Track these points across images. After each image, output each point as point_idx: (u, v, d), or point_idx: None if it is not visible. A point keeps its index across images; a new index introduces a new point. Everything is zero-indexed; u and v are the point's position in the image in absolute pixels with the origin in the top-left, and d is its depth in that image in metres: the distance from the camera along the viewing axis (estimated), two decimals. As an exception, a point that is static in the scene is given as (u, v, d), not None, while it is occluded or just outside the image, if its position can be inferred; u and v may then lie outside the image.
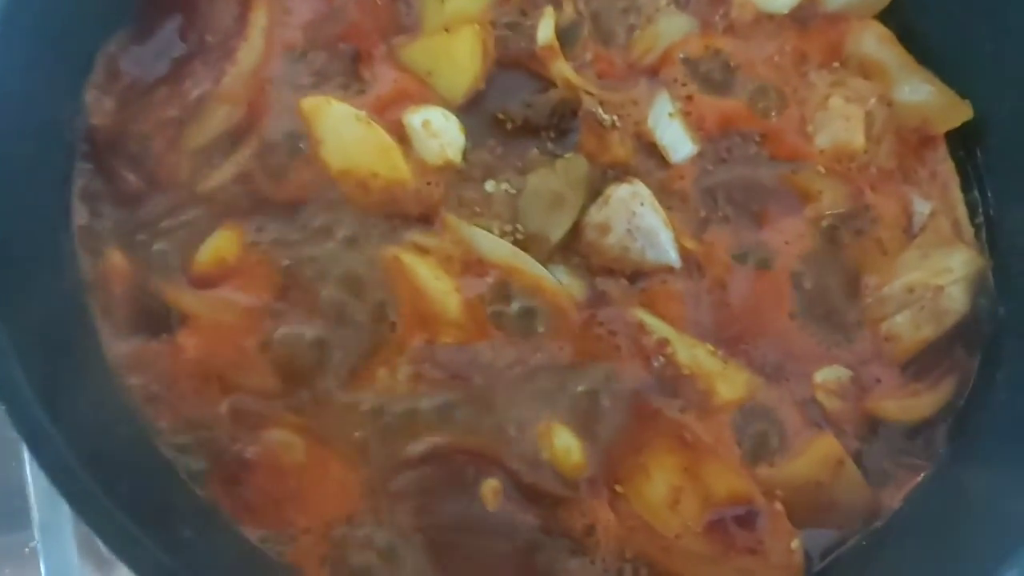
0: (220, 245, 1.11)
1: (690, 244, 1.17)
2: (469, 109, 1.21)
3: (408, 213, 1.14)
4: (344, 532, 1.04)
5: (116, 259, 1.11)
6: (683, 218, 1.19)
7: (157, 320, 1.09)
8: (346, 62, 1.21)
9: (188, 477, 1.04)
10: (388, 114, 1.18)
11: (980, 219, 1.28)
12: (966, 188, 1.28)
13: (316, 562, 1.03)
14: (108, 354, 1.07)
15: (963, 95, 1.27)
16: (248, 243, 1.11)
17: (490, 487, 1.04)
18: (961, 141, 1.29)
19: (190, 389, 1.06)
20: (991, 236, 1.26)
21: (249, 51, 1.18)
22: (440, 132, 1.17)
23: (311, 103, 1.15)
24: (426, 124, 1.16)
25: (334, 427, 1.06)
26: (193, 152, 1.15)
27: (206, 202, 1.13)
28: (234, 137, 1.16)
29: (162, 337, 1.08)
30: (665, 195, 1.19)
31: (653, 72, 1.26)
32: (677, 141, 1.22)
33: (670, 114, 1.23)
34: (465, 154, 1.18)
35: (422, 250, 1.13)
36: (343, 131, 1.14)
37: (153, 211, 1.13)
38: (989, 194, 1.28)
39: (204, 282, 1.10)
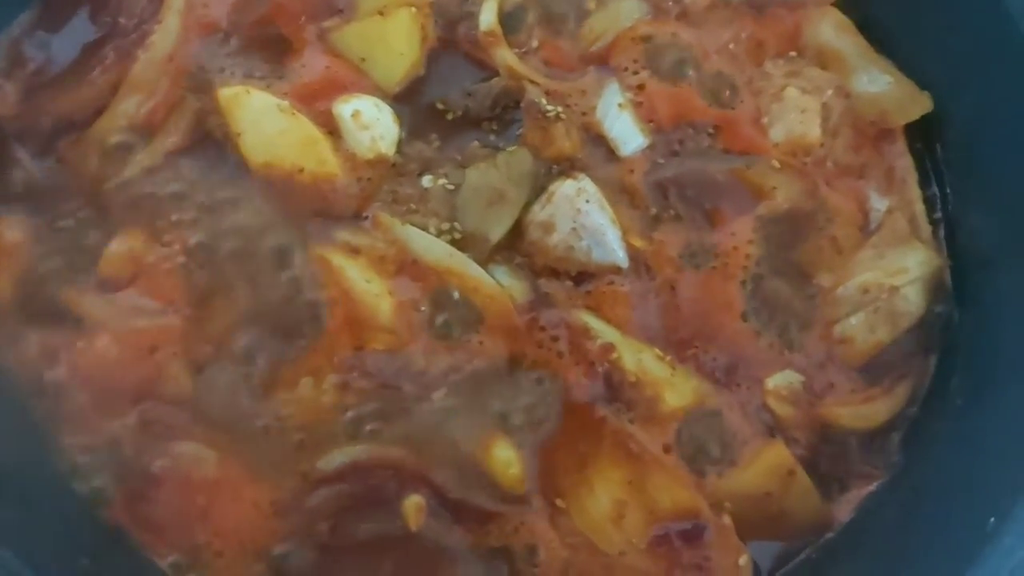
0: (128, 245, 1.03)
1: (639, 243, 1.12)
2: (406, 98, 1.15)
3: (337, 211, 1.08)
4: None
5: (12, 234, 1.02)
6: (632, 215, 1.13)
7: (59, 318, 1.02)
8: (271, 47, 1.14)
9: (88, 496, 0.97)
10: (317, 104, 1.11)
11: (938, 215, 1.23)
12: (924, 184, 1.23)
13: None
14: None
15: (923, 87, 1.22)
16: (159, 243, 1.04)
17: (413, 504, 0.98)
18: (920, 135, 1.24)
19: (94, 397, 0.99)
20: (949, 234, 1.22)
21: (164, 35, 1.10)
22: (372, 123, 1.10)
23: (229, 92, 1.08)
24: (356, 115, 1.09)
25: (247, 439, 1.00)
26: (102, 145, 1.08)
27: (114, 199, 1.06)
28: (145, 129, 1.09)
29: (65, 339, 1.01)
30: (613, 191, 1.13)
31: (602, 60, 1.20)
32: (627, 133, 1.16)
33: (620, 104, 1.17)
34: (400, 147, 1.12)
35: (352, 250, 1.06)
36: (264, 123, 1.07)
37: (57, 207, 1.06)
38: (948, 191, 1.24)
39: (110, 285, 1.03)
